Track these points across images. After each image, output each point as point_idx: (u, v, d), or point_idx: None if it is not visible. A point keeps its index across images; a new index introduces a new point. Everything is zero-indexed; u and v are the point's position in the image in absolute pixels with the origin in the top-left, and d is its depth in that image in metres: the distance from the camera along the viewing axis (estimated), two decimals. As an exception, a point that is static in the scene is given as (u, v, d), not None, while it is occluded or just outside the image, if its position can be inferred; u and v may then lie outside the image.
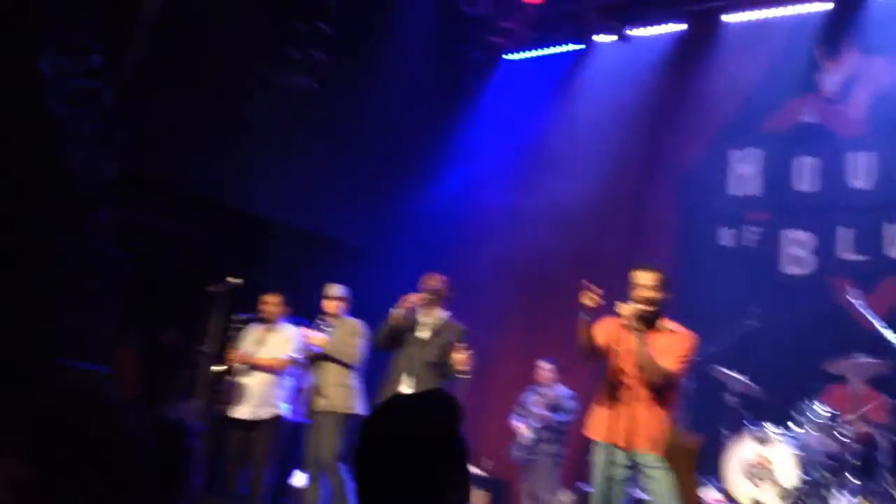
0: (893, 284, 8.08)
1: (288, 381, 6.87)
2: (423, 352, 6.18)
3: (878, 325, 6.70)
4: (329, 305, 6.83)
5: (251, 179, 8.30)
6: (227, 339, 6.86)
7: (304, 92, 8.84)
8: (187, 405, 6.99)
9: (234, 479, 6.58)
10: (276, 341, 6.88)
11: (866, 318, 6.92)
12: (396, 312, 6.17)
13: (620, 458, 4.97)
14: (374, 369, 6.60)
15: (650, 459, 4.95)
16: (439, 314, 6.33)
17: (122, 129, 6.84)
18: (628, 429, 4.93)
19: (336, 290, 6.92)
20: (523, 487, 8.01)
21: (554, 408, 7.92)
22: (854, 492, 6.36)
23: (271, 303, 6.96)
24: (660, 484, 4.91)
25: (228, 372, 6.69)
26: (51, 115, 6.19)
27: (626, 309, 5.00)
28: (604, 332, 5.13)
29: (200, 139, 7.71)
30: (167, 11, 7.27)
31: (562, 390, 8.02)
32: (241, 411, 6.69)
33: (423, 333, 6.25)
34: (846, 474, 6.50)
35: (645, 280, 5.07)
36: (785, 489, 6.45)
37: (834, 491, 6.44)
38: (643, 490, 5.06)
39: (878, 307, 7.67)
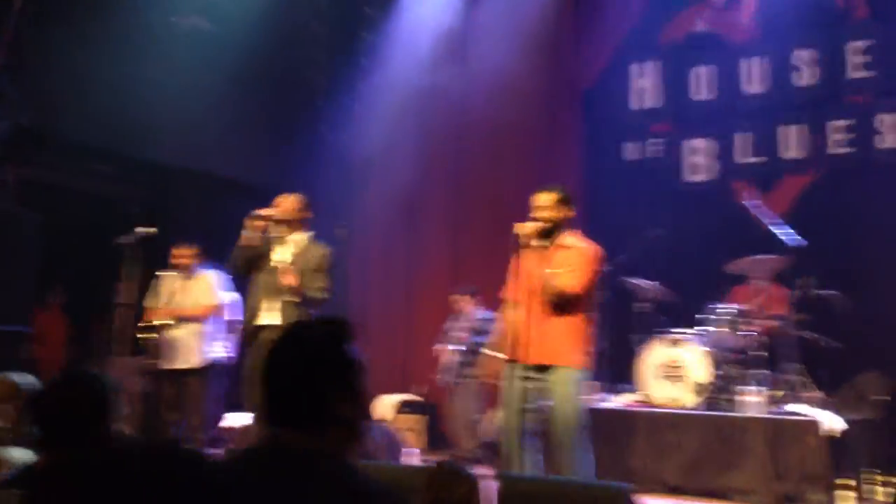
0: (789, 182, 8.44)
1: (215, 326, 6.90)
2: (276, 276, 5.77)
3: (770, 225, 7.01)
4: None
5: (153, 127, 8.15)
6: (144, 291, 6.84)
7: (198, 33, 8.68)
8: (113, 361, 6.98)
9: (174, 429, 6.61)
10: (196, 289, 6.88)
11: (763, 216, 7.21)
12: (246, 234, 5.80)
13: (523, 373, 5.05)
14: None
15: (554, 372, 5.05)
16: (299, 236, 5.96)
17: (12, 85, 6.65)
18: (533, 345, 5.01)
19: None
20: (451, 410, 8.21)
21: (477, 332, 8.06)
22: (763, 382, 6.71)
23: (185, 254, 6.91)
24: (560, 394, 5.02)
25: (151, 329, 6.66)
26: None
27: (522, 228, 5.10)
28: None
29: (98, 90, 7.53)
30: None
31: (483, 314, 8.15)
32: (174, 362, 6.70)
33: (281, 257, 5.87)
34: (754, 367, 6.85)
35: (542, 200, 5.18)
36: (698, 385, 6.76)
37: (744, 383, 6.78)
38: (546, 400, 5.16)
39: (779, 204, 8.02)
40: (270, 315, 5.70)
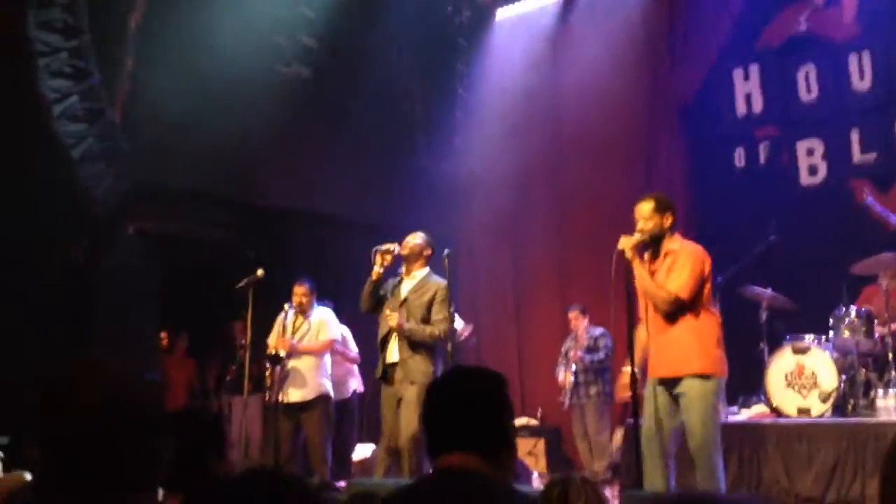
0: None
1: (329, 362, 7.10)
2: (401, 312, 5.99)
3: (892, 220, 6.73)
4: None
5: (261, 172, 8.42)
6: (264, 331, 7.06)
7: (301, 79, 8.96)
8: (236, 398, 7.19)
9: (292, 461, 6.79)
10: (313, 326, 7.09)
11: (885, 217, 6.93)
12: (376, 270, 6.03)
13: (661, 390, 5.04)
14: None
15: (685, 382, 4.98)
16: (419, 272, 6.16)
17: (127, 141, 6.98)
18: (660, 359, 5.04)
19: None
20: (576, 430, 8.17)
21: (589, 349, 8.04)
22: (893, 385, 6.41)
23: (300, 293, 7.14)
24: (690, 407, 4.94)
25: (275, 360, 6.89)
26: (57, 138, 6.33)
27: (624, 242, 5.05)
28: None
29: (206, 139, 7.83)
30: (153, 19, 7.38)
31: (594, 331, 8.12)
32: (292, 395, 6.89)
33: (402, 293, 6.12)
34: (888, 371, 6.56)
35: (641, 211, 5.14)
36: (828, 393, 6.51)
37: (879, 388, 6.50)
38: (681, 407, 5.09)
39: (898, 204, 7.70)
40: (394, 350, 5.96)
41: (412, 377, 5.82)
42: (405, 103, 10.04)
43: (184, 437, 2.55)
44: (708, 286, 5.12)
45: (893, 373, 6.50)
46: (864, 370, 6.67)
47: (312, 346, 7.02)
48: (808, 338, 6.92)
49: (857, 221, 7.86)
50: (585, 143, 9.45)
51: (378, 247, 6.03)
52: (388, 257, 6.01)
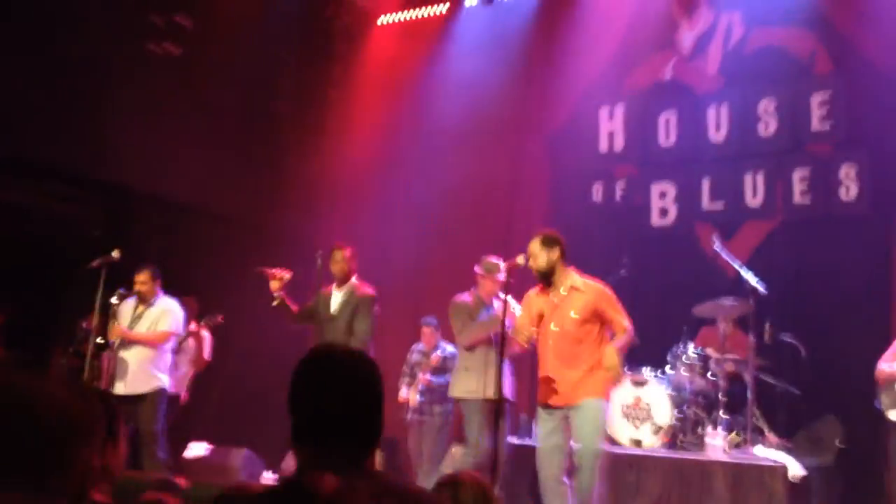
0: (751, 228, 8.56)
1: (167, 355, 6.85)
2: (334, 328, 6.22)
3: (738, 268, 7.09)
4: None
5: (118, 151, 8.06)
6: (104, 316, 6.74)
7: (169, 59, 8.66)
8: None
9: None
10: (151, 316, 6.82)
11: (729, 263, 7.29)
12: (274, 297, 6.26)
13: (557, 417, 5.31)
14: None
15: (582, 405, 5.24)
16: (348, 285, 6.43)
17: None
18: (563, 389, 5.29)
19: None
20: (412, 446, 8.10)
21: (438, 370, 7.98)
22: (725, 426, 6.75)
23: (142, 280, 6.88)
24: (582, 418, 5.21)
25: (107, 348, 6.59)
26: None
27: (513, 264, 5.44)
28: (529, 307, 5.54)
29: (63, 113, 7.47)
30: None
31: (446, 350, 8.10)
32: (121, 387, 6.61)
33: (332, 309, 6.33)
34: (717, 410, 6.89)
35: (530, 249, 5.43)
36: (661, 427, 6.79)
37: (707, 426, 6.82)
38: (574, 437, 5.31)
39: (740, 250, 8.12)
40: None
41: None
42: (275, 98, 9.86)
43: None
44: None
45: (721, 412, 6.84)
46: (695, 408, 6.98)
47: (147, 335, 6.74)
48: (647, 371, 7.20)
49: (702, 265, 8.26)
50: (454, 159, 9.54)
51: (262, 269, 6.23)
52: (276, 282, 6.20)
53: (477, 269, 6.51)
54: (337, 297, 6.34)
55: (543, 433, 5.36)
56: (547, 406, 5.36)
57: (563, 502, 5.29)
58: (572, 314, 5.32)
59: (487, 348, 6.24)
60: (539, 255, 5.37)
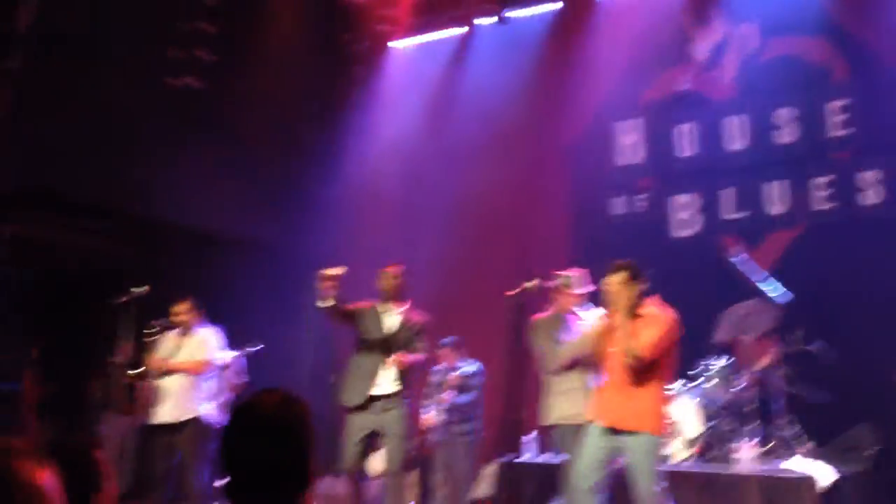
0: (775, 237, 8.58)
1: (207, 383, 6.90)
2: (387, 346, 6.12)
3: (757, 281, 7.09)
4: None
5: (146, 185, 8.21)
6: (140, 349, 6.85)
7: (192, 92, 8.80)
8: (106, 416, 6.95)
9: (162, 484, 6.58)
10: (191, 345, 6.89)
11: (752, 272, 7.30)
12: (320, 298, 5.96)
13: (605, 437, 5.23)
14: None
15: (632, 438, 5.16)
16: (404, 308, 6.34)
17: (10, 144, 6.70)
18: (614, 410, 5.22)
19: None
20: (439, 466, 8.10)
21: (460, 388, 8.00)
22: (754, 436, 6.75)
23: (181, 311, 6.95)
24: (638, 461, 5.13)
25: (144, 377, 6.67)
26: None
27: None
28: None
29: (92, 148, 7.61)
30: (44, 23, 7.14)
31: (467, 368, 8.09)
32: (162, 415, 6.68)
33: (387, 327, 6.22)
34: (748, 421, 6.89)
35: (611, 283, 5.28)
36: (690, 440, 6.79)
37: (737, 437, 6.82)
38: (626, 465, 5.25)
39: (764, 261, 8.14)
40: (383, 385, 6.04)
41: (398, 410, 6.02)
42: (297, 125, 9.98)
43: (59, 472, 2.42)
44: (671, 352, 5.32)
45: (752, 424, 6.84)
46: (725, 420, 6.98)
47: (184, 364, 6.80)
48: (676, 385, 7.21)
49: (726, 275, 8.26)
50: (474, 176, 9.61)
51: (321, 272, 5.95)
52: (329, 284, 5.91)
53: (550, 284, 6.25)
54: (392, 318, 6.27)
55: (590, 447, 5.31)
56: (599, 424, 5.35)
57: None
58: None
59: (583, 369, 5.95)
60: (622, 293, 5.27)
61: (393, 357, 6.03)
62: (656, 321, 5.27)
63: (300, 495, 2.03)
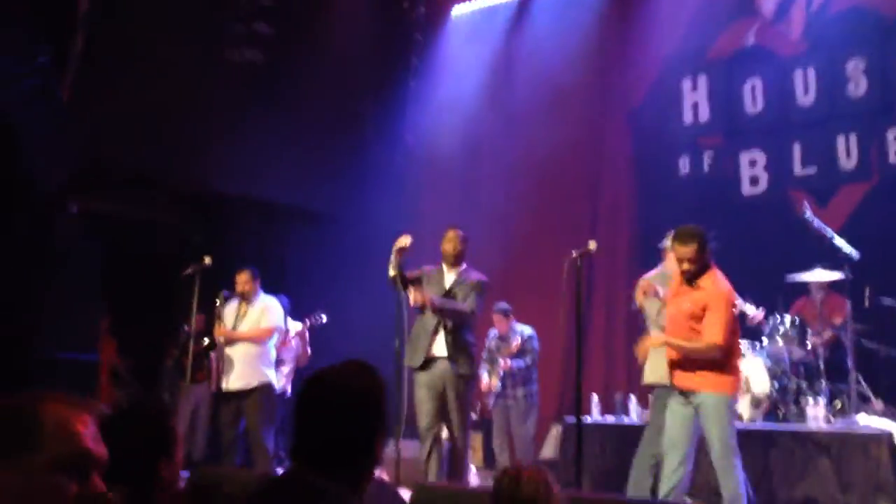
0: (847, 192, 8.35)
1: (271, 351, 7.07)
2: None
3: (830, 236, 6.91)
4: None
5: (210, 158, 8.36)
6: (208, 319, 7.02)
7: (252, 65, 8.92)
8: (178, 386, 7.16)
9: (232, 449, 6.78)
10: (253, 314, 7.04)
11: (821, 230, 7.12)
12: (392, 267, 6.00)
13: (681, 398, 5.22)
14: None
15: (704, 398, 5.13)
16: (463, 268, 6.31)
17: (75, 122, 6.89)
18: (682, 373, 5.22)
19: None
20: (497, 431, 8.06)
21: (518, 353, 7.98)
22: (826, 395, 6.62)
23: (242, 280, 7.10)
24: (710, 420, 5.10)
25: (214, 348, 6.85)
26: (4, 118, 6.23)
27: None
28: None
29: (155, 123, 7.78)
30: (106, 1, 7.30)
31: (522, 332, 8.05)
32: (232, 383, 6.86)
33: (447, 286, 6.23)
34: (818, 379, 6.76)
35: (683, 253, 5.18)
36: (760, 399, 6.70)
37: (808, 396, 6.70)
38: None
39: (836, 215, 7.95)
40: (438, 347, 6.03)
41: (459, 370, 6.00)
42: (357, 94, 10.04)
43: (131, 437, 2.49)
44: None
45: (823, 382, 6.71)
46: (795, 378, 6.87)
47: (251, 333, 6.97)
48: (743, 343, 7.10)
49: (795, 233, 8.08)
50: (537, 142, 9.54)
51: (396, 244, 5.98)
52: (404, 252, 5.99)
53: (661, 244, 6.11)
54: (450, 277, 6.27)
55: (656, 413, 5.30)
56: (668, 386, 5.33)
57: (647, 485, 5.29)
58: (686, 305, 5.27)
59: None
60: (695, 260, 5.19)
61: (419, 295, 5.98)
62: (718, 302, 5.17)
63: (366, 469, 2.05)
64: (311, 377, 2.09)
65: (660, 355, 5.61)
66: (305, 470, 1.98)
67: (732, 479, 5.07)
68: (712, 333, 5.13)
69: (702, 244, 5.22)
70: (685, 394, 5.20)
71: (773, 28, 9.02)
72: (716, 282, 5.29)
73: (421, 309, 6.13)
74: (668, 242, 5.93)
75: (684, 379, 5.19)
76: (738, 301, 5.73)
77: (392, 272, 5.98)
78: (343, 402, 2.01)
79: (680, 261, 5.24)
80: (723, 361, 5.17)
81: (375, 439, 2.05)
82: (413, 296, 6.02)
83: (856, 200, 8.30)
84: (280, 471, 6.77)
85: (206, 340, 6.95)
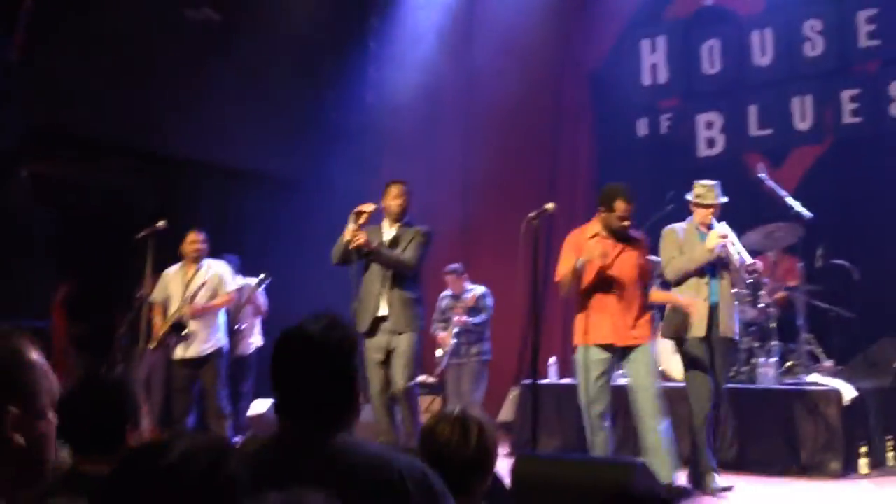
0: (801, 153, 8.44)
1: (224, 316, 7.05)
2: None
3: (783, 195, 6.98)
4: None
5: (165, 120, 8.22)
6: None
7: (207, 25, 8.76)
8: (133, 351, 7.11)
9: (186, 414, 6.78)
10: (206, 280, 6.94)
11: (775, 191, 7.19)
12: (349, 229, 5.83)
13: (608, 357, 5.44)
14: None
15: (640, 349, 5.42)
16: (405, 222, 6.15)
17: (25, 84, 6.75)
18: (612, 327, 5.41)
19: None
20: (450, 389, 8.08)
21: (472, 311, 8.00)
22: (777, 354, 6.74)
23: (198, 240, 6.99)
24: (643, 364, 5.41)
25: (180, 328, 6.79)
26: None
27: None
28: (575, 248, 5.52)
29: (108, 85, 7.63)
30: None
31: (476, 290, 8.06)
32: (188, 351, 6.83)
33: (386, 240, 6.09)
34: (770, 339, 6.87)
35: (628, 210, 5.45)
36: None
37: (760, 356, 6.81)
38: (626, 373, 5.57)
39: (790, 176, 8.04)
40: (384, 307, 5.94)
41: (401, 328, 5.91)
42: (316, 55, 9.90)
43: (95, 408, 2.48)
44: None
45: (774, 342, 6.82)
46: (748, 338, 6.97)
47: (216, 303, 6.92)
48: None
49: (752, 194, 8.15)
50: (496, 106, 9.49)
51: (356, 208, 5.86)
52: (363, 218, 5.85)
53: (688, 196, 5.96)
54: (391, 231, 6.13)
55: (596, 373, 5.40)
56: (601, 345, 5.43)
57: (605, 441, 5.39)
58: (634, 261, 5.48)
59: (698, 282, 5.69)
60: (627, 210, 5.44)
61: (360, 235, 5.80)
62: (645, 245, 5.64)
63: (347, 418, 2.10)
64: (287, 335, 2.12)
65: (674, 309, 5.76)
66: (297, 426, 2.04)
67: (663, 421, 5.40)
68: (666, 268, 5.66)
69: (629, 197, 5.49)
70: (609, 349, 5.44)
71: (732, -12, 9.03)
72: (635, 231, 5.67)
73: (360, 253, 5.94)
74: (700, 190, 5.87)
75: (617, 335, 5.42)
76: (740, 251, 5.87)
77: (347, 237, 5.84)
78: (323, 356, 2.05)
79: (622, 218, 5.43)
80: (648, 314, 5.55)
81: (355, 386, 2.11)
82: (350, 232, 5.79)
83: (810, 162, 8.41)
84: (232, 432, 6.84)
85: (177, 322, 6.83)
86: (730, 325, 5.66)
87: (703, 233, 5.77)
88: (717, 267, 5.69)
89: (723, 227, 5.73)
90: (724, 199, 5.85)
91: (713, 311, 5.62)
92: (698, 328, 5.60)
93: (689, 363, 5.69)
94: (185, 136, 8.42)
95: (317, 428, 2.03)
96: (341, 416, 2.09)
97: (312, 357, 2.06)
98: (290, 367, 2.08)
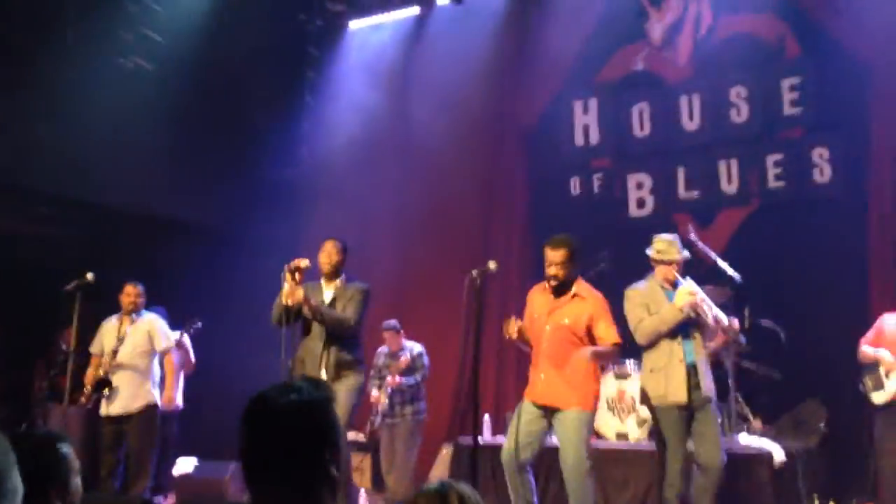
0: (728, 215, 8.64)
1: (157, 370, 6.87)
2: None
3: (714, 257, 7.12)
4: None
5: (93, 169, 8.06)
6: (86, 336, 6.76)
7: (141, 74, 8.66)
8: (55, 408, 6.86)
9: (113, 474, 6.52)
10: (138, 334, 6.80)
11: (706, 252, 7.33)
12: (286, 289, 5.77)
13: (540, 414, 5.35)
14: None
15: (566, 413, 5.27)
16: (341, 279, 6.13)
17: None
18: (546, 387, 5.32)
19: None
20: (384, 450, 8.01)
21: (407, 370, 7.95)
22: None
23: (135, 293, 6.88)
24: (567, 429, 5.25)
25: (104, 384, 6.59)
26: None
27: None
28: (528, 303, 5.58)
29: (34, 130, 7.46)
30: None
31: (412, 349, 8.04)
32: (114, 408, 6.62)
33: (327, 301, 6.07)
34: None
35: (554, 257, 5.35)
36: (646, 419, 6.84)
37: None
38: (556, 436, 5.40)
39: (718, 238, 8.21)
40: (325, 371, 5.86)
41: (344, 385, 5.81)
42: (250, 107, 9.84)
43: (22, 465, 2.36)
44: None
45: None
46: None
47: (134, 357, 6.72)
48: (629, 363, 7.25)
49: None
50: (433, 160, 9.56)
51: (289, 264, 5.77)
52: (300, 273, 5.78)
53: (648, 251, 5.74)
54: (329, 290, 6.09)
55: (525, 426, 5.34)
56: (533, 402, 5.39)
57: (528, 493, 5.34)
58: (566, 321, 5.33)
59: (670, 343, 5.51)
60: (564, 265, 5.34)
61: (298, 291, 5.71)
62: (604, 308, 5.42)
63: (322, 488, 1.99)
64: (255, 398, 2.02)
65: (650, 373, 5.57)
66: (275, 494, 1.95)
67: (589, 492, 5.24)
68: (612, 335, 5.32)
69: (572, 252, 5.36)
70: (543, 409, 5.33)
71: (662, 54, 9.28)
72: (591, 289, 5.47)
73: (298, 313, 5.84)
74: (661, 245, 5.71)
75: (550, 395, 5.31)
76: (714, 310, 5.69)
77: (290, 301, 5.73)
78: (300, 423, 1.97)
79: (549, 265, 5.36)
80: (588, 378, 5.32)
81: (327, 454, 2.00)
82: (288, 291, 5.70)
83: (736, 224, 8.60)
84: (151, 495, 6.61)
85: (99, 377, 6.62)
86: (709, 385, 5.50)
87: (668, 290, 5.62)
88: (688, 325, 5.51)
89: (690, 284, 5.51)
90: (686, 255, 5.74)
91: (690, 372, 5.45)
92: (676, 393, 5.40)
93: (666, 432, 5.46)
94: (114, 185, 8.26)
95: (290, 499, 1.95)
96: (313, 486, 1.98)
97: (281, 424, 1.97)
98: (258, 434, 1.99)
